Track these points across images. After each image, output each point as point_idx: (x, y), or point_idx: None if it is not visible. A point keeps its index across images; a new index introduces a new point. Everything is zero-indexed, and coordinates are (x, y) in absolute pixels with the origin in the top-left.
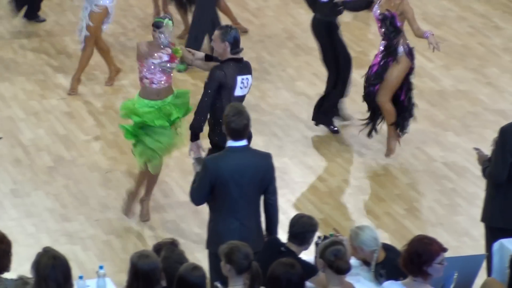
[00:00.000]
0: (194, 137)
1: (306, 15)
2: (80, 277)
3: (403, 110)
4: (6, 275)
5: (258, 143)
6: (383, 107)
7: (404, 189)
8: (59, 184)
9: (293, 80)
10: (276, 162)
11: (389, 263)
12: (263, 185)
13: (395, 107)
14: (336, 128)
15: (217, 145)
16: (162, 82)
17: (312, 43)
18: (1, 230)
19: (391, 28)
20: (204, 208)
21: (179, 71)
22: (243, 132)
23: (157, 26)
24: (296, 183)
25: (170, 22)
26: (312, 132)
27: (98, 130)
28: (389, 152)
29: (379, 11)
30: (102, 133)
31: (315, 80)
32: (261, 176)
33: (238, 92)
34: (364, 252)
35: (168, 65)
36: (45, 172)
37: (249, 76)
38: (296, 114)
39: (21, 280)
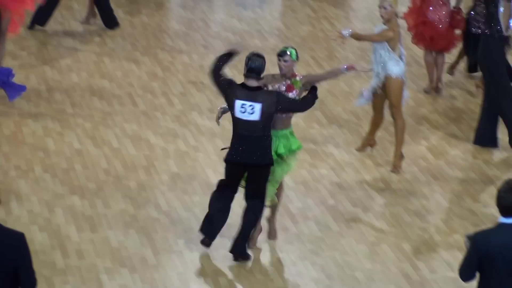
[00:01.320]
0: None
1: None
2: None
3: None
4: None
5: None
6: None
7: None
8: (325, 255)
9: None
10: None
11: None
12: None
13: None
14: None
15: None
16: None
17: None
18: None
19: None
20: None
21: None
22: None
23: (280, 54)
24: None
25: (293, 50)
26: None
27: (366, 202)
28: None
29: None
30: (370, 205)
31: None
32: None
33: (238, 114)
34: None
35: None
36: (313, 242)
37: (254, 104)
38: None
39: None
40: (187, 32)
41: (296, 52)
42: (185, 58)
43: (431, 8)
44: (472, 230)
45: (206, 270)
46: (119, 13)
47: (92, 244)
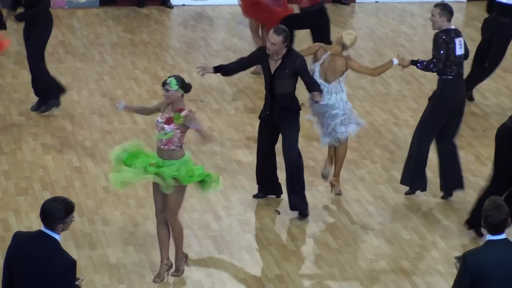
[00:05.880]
0: None
1: None
2: None
3: None
4: None
5: None
6: None
7: None
8: (324, 272)
9: None
10: None
11: None
12: None
13: None
14: None
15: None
16: (163, 141)
17: None
18: None
19: None
20: None
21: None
22: (502, 226)
23: (163, 84)
24: None
25: (173, 80)
26: None
27: (365, 219)
28: None
29: None
30: (369, 223)
31: None
32: None
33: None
34: None
35: (162, 126)
36: (311, 259)
37: None
38: None
39: None
40: (187, 50)
41: (178, 82)
42: (185, 77)
43: None
44: (470, 247)
45: None
46: (119, 31)
47: (91, 261)
